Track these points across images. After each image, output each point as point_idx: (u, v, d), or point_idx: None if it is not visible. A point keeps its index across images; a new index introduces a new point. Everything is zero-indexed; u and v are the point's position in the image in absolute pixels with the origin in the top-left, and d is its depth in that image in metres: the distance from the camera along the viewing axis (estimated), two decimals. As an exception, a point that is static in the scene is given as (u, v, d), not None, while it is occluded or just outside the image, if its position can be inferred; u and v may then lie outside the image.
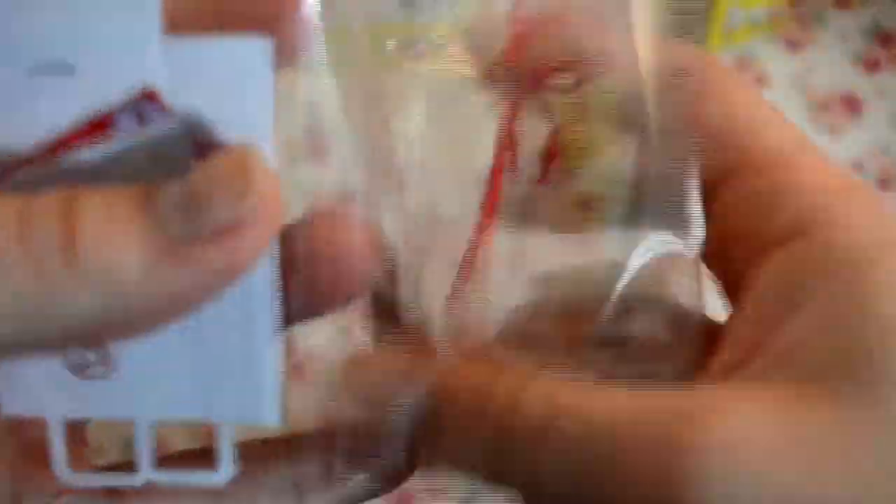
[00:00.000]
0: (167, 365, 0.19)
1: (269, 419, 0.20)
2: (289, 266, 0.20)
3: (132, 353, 0.19)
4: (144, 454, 0.21)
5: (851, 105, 0.53)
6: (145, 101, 0.17)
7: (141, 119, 0.17)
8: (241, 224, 0.16)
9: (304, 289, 0.20)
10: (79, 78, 0.17)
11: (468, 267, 0.23)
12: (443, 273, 0.23)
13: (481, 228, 0.23)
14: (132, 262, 0.16)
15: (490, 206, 0.23)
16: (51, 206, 0.16)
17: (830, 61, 0.54)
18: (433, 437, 0.22)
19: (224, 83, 0.17)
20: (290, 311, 0.20)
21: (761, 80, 0.52)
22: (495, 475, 0.22)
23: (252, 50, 0.17)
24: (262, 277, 0.19)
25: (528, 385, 0.20)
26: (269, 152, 0.18)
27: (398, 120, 0.26)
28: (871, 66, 0.54)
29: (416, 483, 0.27)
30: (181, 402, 0.20)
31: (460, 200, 0.26)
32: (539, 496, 0.21)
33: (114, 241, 0.16)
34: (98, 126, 0.17)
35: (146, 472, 0.21)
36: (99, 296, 0.16)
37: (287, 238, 0.20)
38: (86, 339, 0.18)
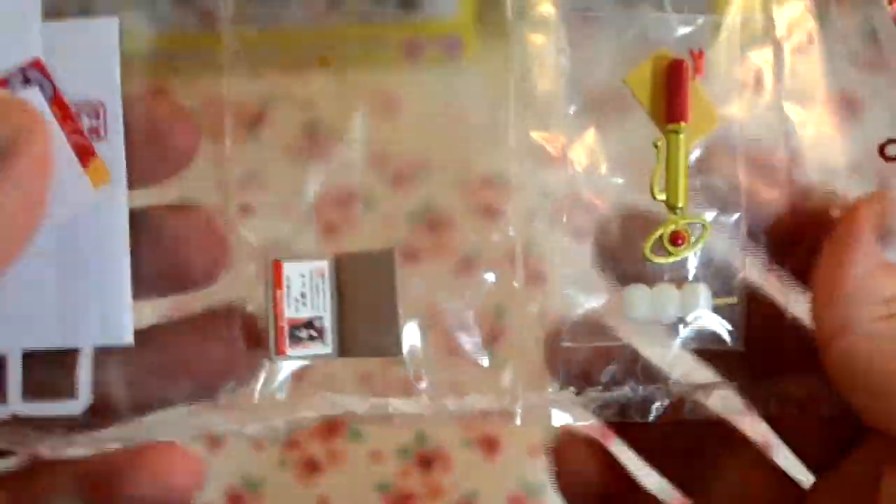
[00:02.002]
0: (32, 298, 0.23)
1: (127, 339, 0.23)
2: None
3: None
4: (13, 386, 0.22)
5: (851, 105, 0.53)
6: (31, 69, 0.22)
7: (27, 81, 0.22)
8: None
9: (153, 276, 0.24)
10: None
11: None
12: None
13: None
14: None
15: None
16: None
17: (830, 61, 0.54)
18: None
19: (84, 54, 0.23)
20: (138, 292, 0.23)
21: (761, 81, 0.51)
22: None
23: (104, 28, 0.23)
24: (116, 211, 0.23)
25: None
26: (117, 113, 0.23)
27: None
28: (872, 66, 0.54)
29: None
30: (48, 333, 0.23)
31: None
32: None
33: None
34: None
35: (14, 405, 0.23)
36: None
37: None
38: None
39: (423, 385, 0.25)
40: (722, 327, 0.25)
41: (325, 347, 0.24)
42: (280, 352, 0.24)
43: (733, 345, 0.25)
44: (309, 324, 0.24)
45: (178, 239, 0.24)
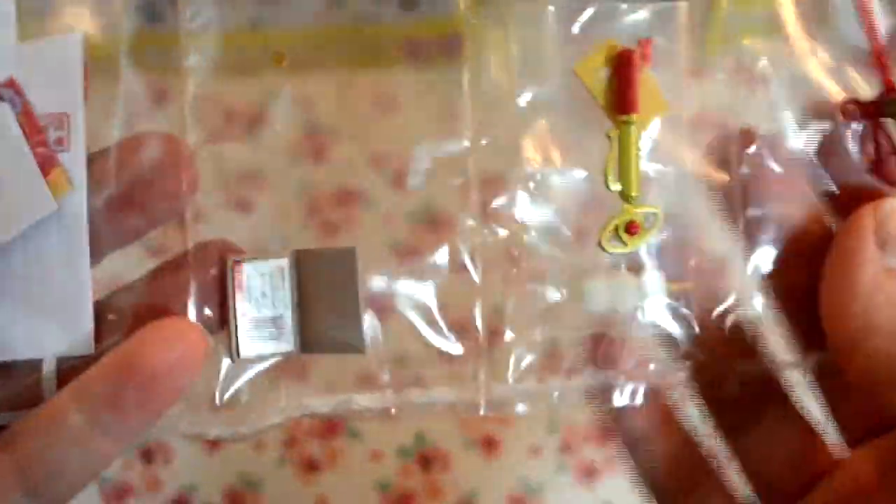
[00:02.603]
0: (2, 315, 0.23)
1: (89, 349, 0.23)
2: (101, 191, 0.23)
3: None
4: None
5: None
6: (4, 87, 0.24)
7: (0, 98, 0.24)
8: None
9: (119, 210, 0.24)
10: None
11: None
12: None
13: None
14: None
15: None
16: None
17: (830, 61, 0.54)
18: None
19: (52, 70, 0.24)
20: (104, 242, 0.24)
21: (761, 80, 0.51)
22: None
23: (70, 43, 0.24)
24: (76, 222, 0.23)
25: None
26: (79, 124, 0.24)
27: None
28: (871, 66, 0.54)
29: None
30: (10, 344, 0.23)
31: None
32: None
33: None
34: None
35: None
36: None
37: (97, 165, 0.23)
38: None
39: (386, 378, 0.25)
40: (670, 316, 0.26)
41: (288, 345, 0.25)
42: (242, 351, 0.24)
43: (685, 335, 0.26)
44: (271, 322, 0.24)
45: (136, 166, 0.24)
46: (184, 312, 0.24)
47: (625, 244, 0.26)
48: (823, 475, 0.25)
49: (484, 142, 0.26)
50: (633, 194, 0.25)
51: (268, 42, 0.26)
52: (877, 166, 0.26)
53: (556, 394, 0.26)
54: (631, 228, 0.26)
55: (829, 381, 0.25)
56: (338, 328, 0.25)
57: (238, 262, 0.24)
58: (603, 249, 0.26)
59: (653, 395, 0.26)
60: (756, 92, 0.26)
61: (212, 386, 0.25)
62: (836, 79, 0.26)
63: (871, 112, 0.25)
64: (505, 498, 0.49)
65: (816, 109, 0.26)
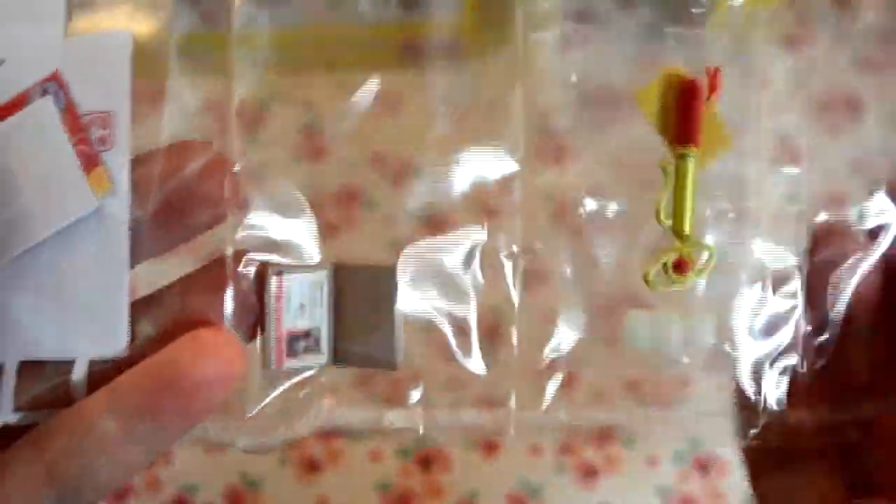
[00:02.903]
0: (30, 307, 0.23)
1: (121, 351, 0.23)
2: (144, 198, 0.23)
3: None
4: (5, 396, 0.23)
5: (851, 105, 0.53)
6: (49, 81, 0.23)
7: (44, 93, 0.23)
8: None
9: (160, 217, 0.23)
10: (6, 67, 0.23)
11: None
12: None
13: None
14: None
15: None
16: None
17: (830, 61, 0.54)
18: None
19: (98, 67, 0.23)
20: (143, 248, 0.23)
21: (760, 80, 0.51)
22: None
23: (118, 40, 0.23)
24: (117, 223, 0.23)
25: None
26: (124, 123, 0.23)
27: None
28: (871, 66, 0.54)
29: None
30: (45, 343, 0.23)
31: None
32: None
33: None
34: (18, 102, 0.23)
35: (5, 415, 0.23)
36: None
37: (142, 169, 0.23)
38: None
39: (416, 396, 0.25)
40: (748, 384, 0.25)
41: (321, 357, 0.24)
42: (277, 363, 0.24)
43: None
44: (306, 335, 0.24)
45: (181, 173, 0.23)
46: (219, 321, 0.23)
47: (673, 282, 0.24)
48: None
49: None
50: (686, 232, 0.24)
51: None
52: None
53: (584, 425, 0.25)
54: (680, 266, 0.24)
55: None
56: (372, 344, 0.24)
57: (280, 273, 0.24)
58: (650, 286, 0.25)
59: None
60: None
61: (242, 396, 0.24)
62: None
63: None
64: (505, 498, 0.49)
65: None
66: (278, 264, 0.24)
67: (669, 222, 0.24)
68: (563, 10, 0.25)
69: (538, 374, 0.25)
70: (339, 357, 0.24)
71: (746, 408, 0.25)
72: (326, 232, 0.41)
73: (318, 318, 0.24)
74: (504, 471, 0.50)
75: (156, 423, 0.21)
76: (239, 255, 0.24)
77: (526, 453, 0.50)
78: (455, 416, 0.25)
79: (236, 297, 0.23)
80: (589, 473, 0.50)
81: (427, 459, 0.49)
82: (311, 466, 0.49)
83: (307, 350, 0.24)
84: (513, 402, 0.25)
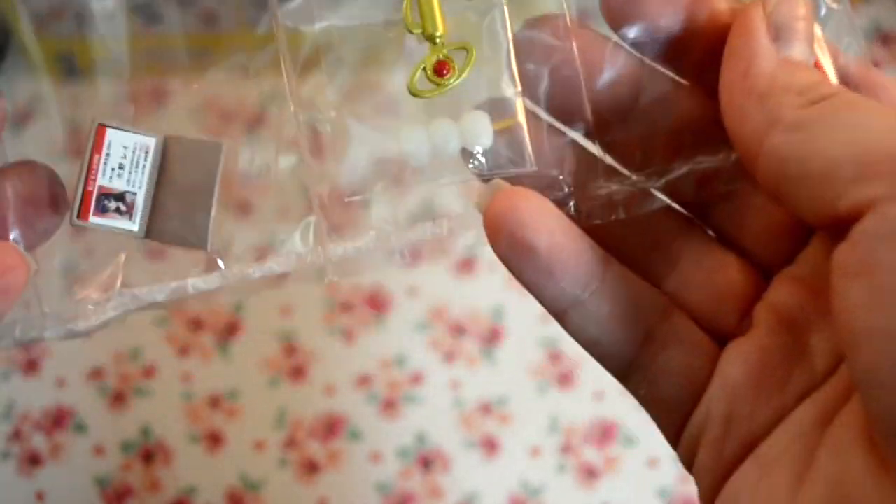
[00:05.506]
0: None
1: None
2: None
3: None
4: None
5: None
6: None
7: None
8: None
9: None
10: None
11: None
12: None
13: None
14: None
15: None
16: None
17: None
18: None
19: None
20: None
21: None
22: None
23: None
24: None
25: None
26: None
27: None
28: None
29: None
30: None
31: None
32: None
33: None
34: None
35: None
36: None
37: None
38: None
39: (221, 262, 0.24)
40: (511, 149, 0.24)
41: (132, 224, 0.24)
42: (83, 216, 0.23)
43: (527, 165, 0.24)
44: (120, 196, 0.24)
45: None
46: (2, 230, 0.23)
47: (437, 86, 0.23)
48: (751, 309, 0.24)
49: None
50: (438, 33, 0.24)
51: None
52: None
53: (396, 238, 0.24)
54: (440, 69, 0.24)
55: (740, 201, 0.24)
56: (186, 221, 0.24)
57: (103, 126, 0.24)
58: (413, 94, 0.23)
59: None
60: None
61: (38, 289, 0.24)
62: None
63: None
64: (505, 499, 0.49)
65: None
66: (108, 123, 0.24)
67: (419, 28, 0.24)
68: None
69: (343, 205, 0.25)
70: (150, 230, 0.24)
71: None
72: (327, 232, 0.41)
73: (136, 183, 0.24)
74: (504, 472, 0.50)
75: None
76: (22, 163, 0.24)
77: (526, 454, 0.50)
78: (264, 267, 0.24)
79: (19, 203, 0.23)
80: (589, 474, 0.50)
81: (427, 460, 0.49)
82: (311, 467, 0.49)
83: (118, 212, 0.24)
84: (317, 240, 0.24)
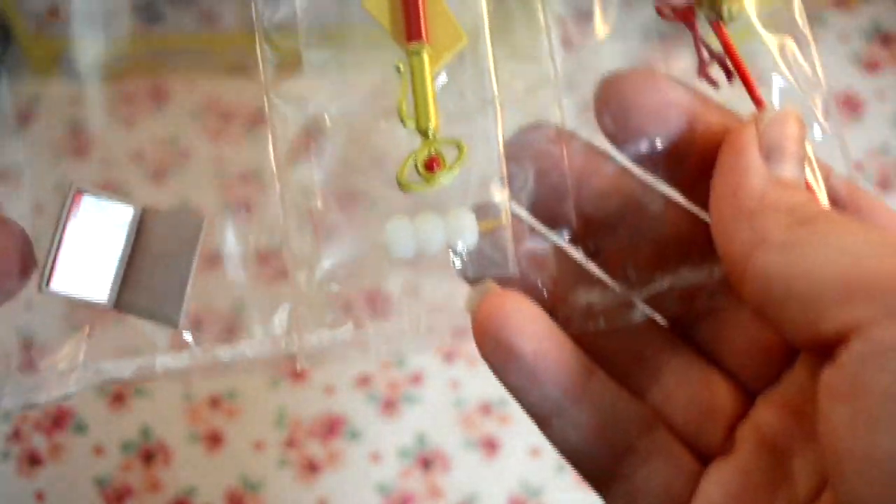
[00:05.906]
0: None
1: None
2: None
3: None
4: None
5: (851, 105, 0.53)
6: None
7: None
8: None
9: None
10: None
11: None
12: None
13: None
14: None
15: None
16: None
17: (830, 61, 0.54)
18: None
19: None
20: None
21: (761, 80, 0.51)
22: None
23: None
24: None
25: None
26: None
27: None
28: (871, 66, 0.54)
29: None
30: None
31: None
32: None
33: None
34: None
35: None
36: None
37: None
38: None
39: (191, 338, 0.24)
40: (494, 251, 0.24)
41: (101, 295, 0.23)
42: (52, 283, 0.22)
43: (509, 269, 0.24)
44: (91, 266, 0.23)
45: None
46: None
47: (426, 181, 0.23)
48: (735, 426, 0.24)
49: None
50: (431, 128, 0.23)
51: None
52: (700, 68, 0.25)
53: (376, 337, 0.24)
54: (430, 164, 0.23)
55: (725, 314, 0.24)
56: (160, 297, 0.23)
57: (80, 192, 0.23)
58: (403, 188, 0.23)
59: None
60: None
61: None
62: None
63: (686, 14, 0.24)
64: (505, 499, 0.49)
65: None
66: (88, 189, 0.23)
67: (413, 122, 0.24)
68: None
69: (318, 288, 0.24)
70: (120, 302, 0.23)
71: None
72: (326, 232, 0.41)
73: (110, 252, 0.23)
74: (504, 472, 0.50)
75: None
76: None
77: (526, 454, 0.50)
78: (235, 350, 0.24)
79: None
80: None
81: (427, 461, 0.49)
82: (311, 467, 0.49)
83: (88, 282, 0.23)
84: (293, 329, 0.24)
